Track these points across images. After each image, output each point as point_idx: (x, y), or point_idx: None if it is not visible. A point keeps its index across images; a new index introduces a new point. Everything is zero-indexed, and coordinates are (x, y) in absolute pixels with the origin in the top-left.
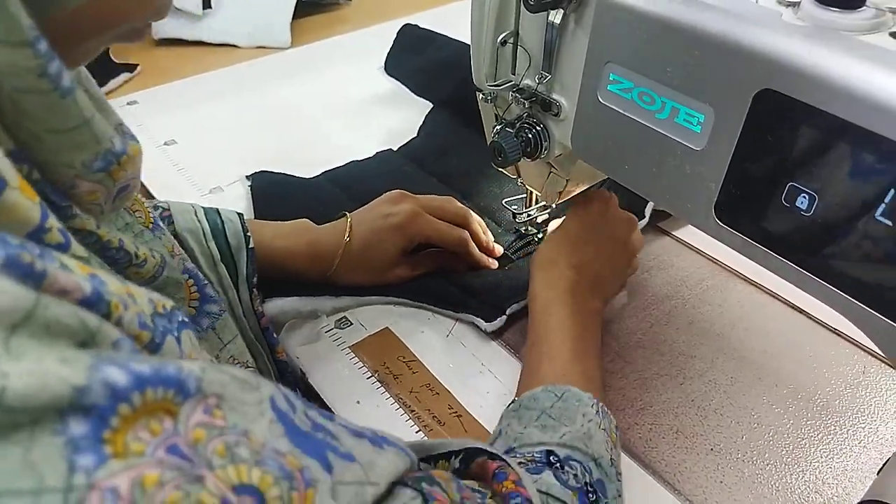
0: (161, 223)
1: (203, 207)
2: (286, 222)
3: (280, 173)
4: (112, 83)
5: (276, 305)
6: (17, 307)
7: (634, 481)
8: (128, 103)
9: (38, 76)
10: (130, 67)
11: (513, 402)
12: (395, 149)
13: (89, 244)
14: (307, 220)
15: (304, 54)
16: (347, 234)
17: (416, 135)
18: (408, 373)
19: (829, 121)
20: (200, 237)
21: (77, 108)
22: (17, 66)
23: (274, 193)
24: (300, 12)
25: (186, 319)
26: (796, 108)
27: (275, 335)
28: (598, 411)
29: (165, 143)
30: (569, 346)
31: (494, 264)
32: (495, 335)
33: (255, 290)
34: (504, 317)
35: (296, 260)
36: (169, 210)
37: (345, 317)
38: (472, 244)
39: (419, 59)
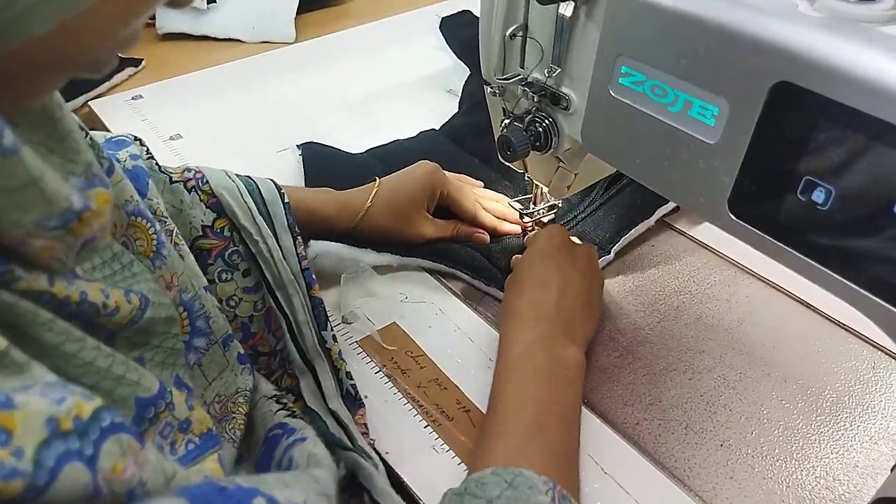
0: (166, 249)
1: (235, 174)
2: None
3: (328, 146)
4: (117, 77)
5: (321, 246)
6: None
7: (644, 477)
8: (133, 98)
9: None
10: (135, 62)
11: (462, 483)
12: (437, 128)
13: (41, 303)
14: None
15: (309, 49)
16: (376, 187)
17: (456, 110)
18: (415, 367)
19: (848, 113)
20: (236, 193)
21: (23, 167)
22: None
23: (323, 163)
24: (304, 7)
25: (119, 419)
26: (814, 101)
27: (313, 276)
28: (553, 498)
29: (171, 138)
30: (527, 418)
31: (506, 226)
32: None
33: (298, 237)
34: None
35: (328, 206)
36: (202, 172)
37: (352, 311)
38: (484, 214)
39: (474, 28)
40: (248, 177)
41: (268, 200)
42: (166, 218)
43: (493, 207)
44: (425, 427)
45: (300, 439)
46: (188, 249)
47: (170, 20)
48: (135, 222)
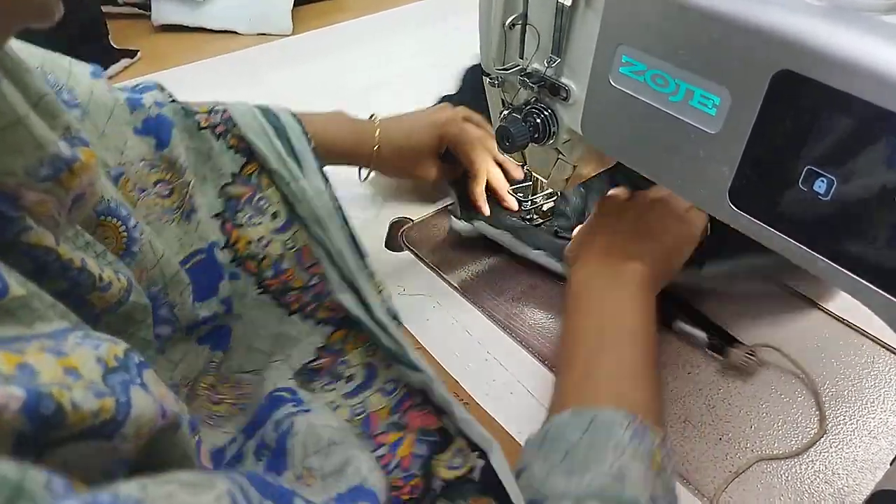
0: (137, 245)
1: (259, 108)
2: (324, 113)
3: None
4: (112, 69)
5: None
6: None
7: None
8: None
9: None
10: (131, 53)
11: (542, 427)
12: None
13: (48, 263)
14: (342, 111)
15: (305, 41)
16: (377, 129)
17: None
18: None
19: (850, 102)
20: (265, 139)
21: (5, 102)
22: None
23: None
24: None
25: (142, 359)
26: (816, 90)
27: (345, 213)
28: (633, 435)
29: None
30: (589, 345)
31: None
32: (501, 324)
33: (328, 181)
34: None
35: (345, 142)
36: (228, 112)
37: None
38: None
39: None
40: (274, 115)
41: (294, 145)
42: (186, 169)
43: (496, 178)
44: None
45: (305, 410)
46: (203, 201)
47: (165, 12)
48: (105, 222)
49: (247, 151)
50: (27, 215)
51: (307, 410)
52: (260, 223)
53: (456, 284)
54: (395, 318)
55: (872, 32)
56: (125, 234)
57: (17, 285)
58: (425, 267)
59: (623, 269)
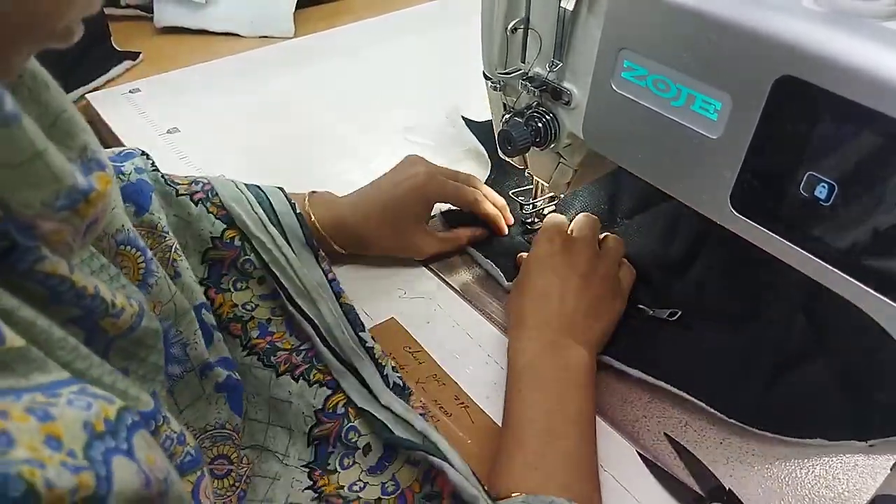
0: (153, 277)
1: (245, 183)
2: (315, 193)
3: None
4: (114, 71)
5: None
6: None
7: (643, 474)
8: (130, 91)
9: None
10: (133, 55)
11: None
12: None
13: (62, 292)
14: (330, 192)
15: (308, 44)
16: (312, 216)
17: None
18: (413, 363)
19: (851, 108)
20: (246, 205)
21: (27, 138)
22: None
23: None
24: (304, 2)
25: (137, 418)
26: (817, 95)
27: (341, 286)
28: None
29: (168, 132)
30: (539, 427)
31: (510, 220)
32: (502, 327)
33: (319, 251)
34: None
35: (325, 228)
36: (210, 184)
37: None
38: (487, 203)
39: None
40: (257, 187)
41: (279, 212)
42: (167, 233)
43: (495, 199)
44: None
45: None
46: (187, 264)
47: (168, 14)
48: (123, 251)
49: (226, 218)
50: (42, 245)
51: None
52: (246, 287)
53: (457, 287)
54: (401, 392)
55: (873, 38)
56: (143, 264)
57: (15, 335)
58: (426, 269)
59: (571, 353)
